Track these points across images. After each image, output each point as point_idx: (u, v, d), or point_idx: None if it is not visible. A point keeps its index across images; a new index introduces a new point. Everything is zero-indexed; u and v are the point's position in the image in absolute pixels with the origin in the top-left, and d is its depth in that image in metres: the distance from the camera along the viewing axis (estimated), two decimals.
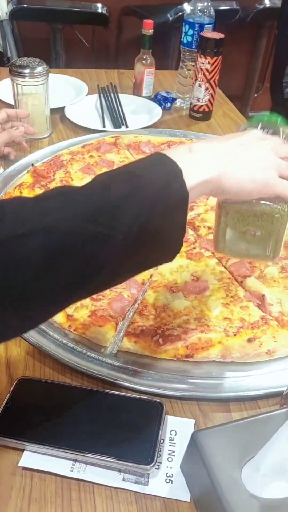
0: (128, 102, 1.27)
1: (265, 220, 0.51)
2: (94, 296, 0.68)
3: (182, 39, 1.23)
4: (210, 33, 1.16)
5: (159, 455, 0.51)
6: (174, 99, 1.30)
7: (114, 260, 0.41)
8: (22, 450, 0.52)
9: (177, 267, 0.76)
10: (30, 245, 0.37)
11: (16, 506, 0.48)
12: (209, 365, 0.63)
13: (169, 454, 0.53)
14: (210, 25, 1.19)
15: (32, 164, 0.95)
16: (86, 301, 0.68)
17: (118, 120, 1.20)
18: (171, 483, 0.50)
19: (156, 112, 1.22)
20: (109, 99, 1.27)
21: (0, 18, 2.02)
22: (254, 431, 0.47)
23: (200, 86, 1.20)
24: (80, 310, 0.66)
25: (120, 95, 1.30)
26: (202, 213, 0.89)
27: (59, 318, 0.66)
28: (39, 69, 1.03)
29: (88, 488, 0.50)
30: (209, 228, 0.85)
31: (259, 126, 0.55)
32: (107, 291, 0.70)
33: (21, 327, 0.43)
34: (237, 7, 2.26)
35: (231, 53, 2.67)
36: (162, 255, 0.47)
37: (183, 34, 1.22)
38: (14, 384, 0.56)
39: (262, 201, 0.50)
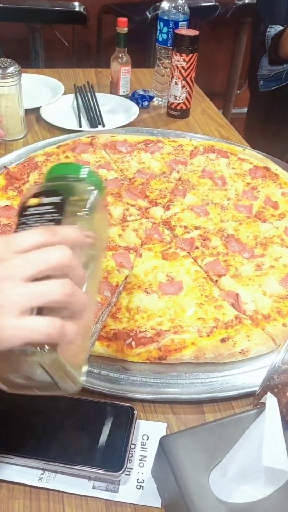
0: (105, 101, 1.26)
1: (25, 365, 0.38)
2: None
3: (157, 37, 1.22)
4: (184, 30, 1.15)
5: (129, 461, 0.50)
6: (151, 97, 1.29)
7: None
8: None
9: (152, 268, 0.76)
10: None
11: None
12: (182, 366, 0.62)
13: (140, 460, 0.52)
14: (185, 22, 1.18)
15: (5, 166, 0.94)
16: None
17: (95, 119, 1.18)
18: (142, 489, 0.49)
19: (133, 110, 1.21)
20: (86, 98, 1.26)
21: None
22: (224, 433, 0.47)
23: (176, 83, 1.19)
24: None
25: (97, 94, 1.28)
26: (178, 212, 0.88)
27: None
28: (10, 69, 1.01)
29: (58, 497, 0.49)
30: (185, 227, 0.85)
31: (34, 191, 0.43)
32: None
33: None
34: (216, 3, 2.25)
35: (212, 51, 2.68)
36: None
37: (158, 31, 1.21)
38: None
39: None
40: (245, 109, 1.78)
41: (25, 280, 0.36)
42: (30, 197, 0.42)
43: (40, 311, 0.36)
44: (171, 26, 1.18)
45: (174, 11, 1.18)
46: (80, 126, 1.16)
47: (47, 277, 0.37)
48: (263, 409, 0.46)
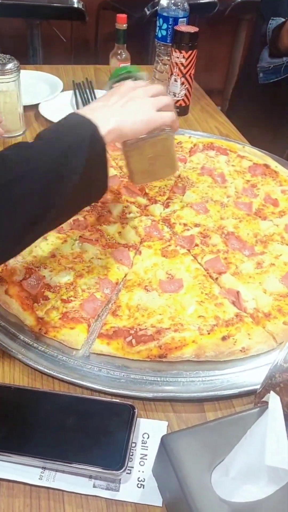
0: None
1: (159, 145, 0.67)
2: (65, 298, 0.67)
3: (156, 33, 1.22)
4: (184, 27, 1.14)
5: (130, 459, 0.50)
6: None
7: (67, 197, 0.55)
8: None
9: (152, 265, 0.75)
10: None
11: None
12: (183, 364, 0.62)
13: (141, 458, 0.52)
14: (184, 19, 1.18)
15: None
16: (57, 303, 0.66)
17: None
18: (143, 487, 0.49)
19: None
20: (85, 95, 1.25)
21: None
22: (225, 432, 0.46)
23: (175, 80, 1.18)
24: (51, 313, 0.65)
25: (96, 91, 1.27)
26: (177, 209, 0.88)
27: (30, 321, 0.64)
28: (9, 65, 1.00)
29: (58, 496, 0.48)
30: (185, 225, 0.84)
31: (121, 78, 0.74)
32: (79, 292, 0.68)
33: None
34: (215, 0, 2.24)
35: (211, 47, 2.67)
36: (95, 191, 0.62)
37: (157, 28, 1.20)
38: None
39: (153, 134, 0.66)
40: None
41: (152, 95, 0.67)
42: (116, 83, 0.71)
43: None
44: (170, 23, 1.18)
45: (174, 7, 1.18)
46: None
47: None
48: (265, 408, 0.45)
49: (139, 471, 0.51)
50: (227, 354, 0.62)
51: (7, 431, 0.51)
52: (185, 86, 1.19)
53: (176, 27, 1.14)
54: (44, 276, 0.70)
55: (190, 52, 1.13)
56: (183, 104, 1.23)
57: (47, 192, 0.53)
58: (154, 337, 0.62)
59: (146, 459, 0.52)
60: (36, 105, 1.17)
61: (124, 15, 1.19)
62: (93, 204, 0.84)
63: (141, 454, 0.52)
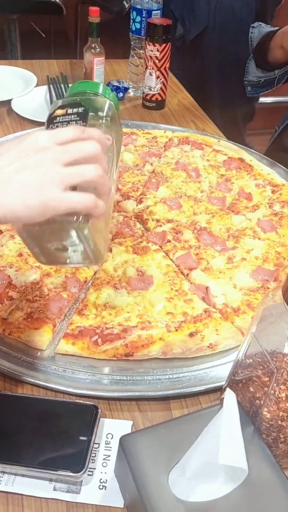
0: None
1: (64, 233, 0.46)
2: (30, 298, 0.65)
3: (130, 26, 1.20)
4: (158, 20, 1.13)
5: (92, 461, 0.49)
6: (126, 89, 1.27)
7: None
8: None
9: (122, 263, 0.74)
10: None
11: None
12: (150, 363, 0.61)
13: (104, 459, 0.51)
14: (158, 11, 1.16)
15: None
16: (22, 303, 0.65)
17: None
18: (105, 489, 0.48)
19: None
20: (59, 90, 1.23)
21: None
22: (185, 430, 0.46)
23: (150, 74, 1.17)
24: (15, 313, 0.63)
25: (70, 85, 1.25)
26: (151, 205, 0.87)
27: None
28: None
29: (17, 500, 0.47)
30: (158, 221, 0.83)
31: (60, 104, 0.53)
32: (45, 291, 0.67)
33: None
34: None
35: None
36: None
37: (131, 21, 1.19)
38: None
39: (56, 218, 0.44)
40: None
41: (65, 164, 0.44)
42: (57, 109, 0.51)
43: (74, 190, 0.45)
44: (144, 15, 1.16)
45: (147, 0, 1.16)
46: None
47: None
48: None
49: (101, 472, 0.50)
50: (194, 351, 0.61)
51: None
52: (160, 79, 1.18)
53: (149, 20, 1.12)
54: (9, 275, 0.68)
55: (164, 45, 1.12)
56: (159, 98, 1.22)
57: None
58: (121, 335, 0.62)
59: (109, 460, 0.51)
60: (9, 101, 1.15)
61: (97, 8, 1.17)
62: None
63: (104, 455, 0.51)
